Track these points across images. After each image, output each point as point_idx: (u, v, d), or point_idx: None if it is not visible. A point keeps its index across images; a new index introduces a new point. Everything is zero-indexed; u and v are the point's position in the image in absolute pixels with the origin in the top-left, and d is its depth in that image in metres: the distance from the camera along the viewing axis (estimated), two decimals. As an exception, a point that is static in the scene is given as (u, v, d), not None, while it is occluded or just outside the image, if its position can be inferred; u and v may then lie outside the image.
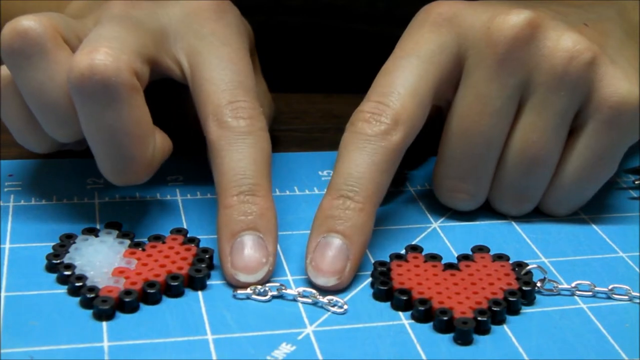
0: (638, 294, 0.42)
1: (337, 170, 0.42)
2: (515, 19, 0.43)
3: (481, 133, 0.44)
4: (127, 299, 0.38)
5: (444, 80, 0.44)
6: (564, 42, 0.43)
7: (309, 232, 0.43)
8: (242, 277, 0.40)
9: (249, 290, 0.40)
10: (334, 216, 0.41)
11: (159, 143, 0.43)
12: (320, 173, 0.51)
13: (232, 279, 0.40)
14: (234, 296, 0.40)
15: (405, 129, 0.42)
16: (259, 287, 0.40)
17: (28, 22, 0.41)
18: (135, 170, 0.42)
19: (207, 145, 0.43)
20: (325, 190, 0.42)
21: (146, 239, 0.43)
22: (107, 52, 0.40)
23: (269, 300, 0.40)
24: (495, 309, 0.39)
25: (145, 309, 0.39)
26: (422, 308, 0.39)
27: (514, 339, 0.39)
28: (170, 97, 0.49)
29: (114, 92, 0.40)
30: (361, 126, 0.43)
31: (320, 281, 0.40)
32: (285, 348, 0.37)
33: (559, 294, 0.42)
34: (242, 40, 0.46)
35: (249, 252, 0.40)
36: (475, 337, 0.38)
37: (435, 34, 0.44)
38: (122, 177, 0.42)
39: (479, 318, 0.39)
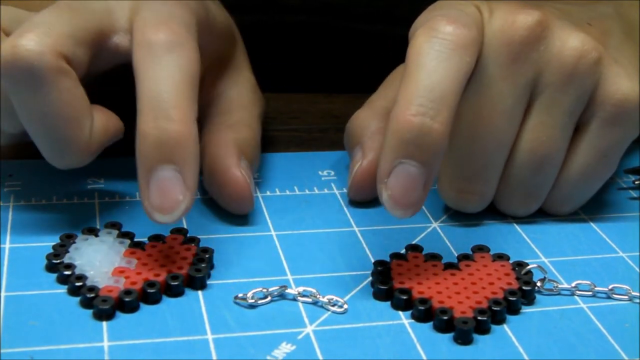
0: (638, 294, 0.42)
1: (417, 79, 0.39)
2: (529, 18, 0.43)
3: (492, 132, 0.44)
4: (127, 299, 0.38)
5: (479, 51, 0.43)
6: (572, 42, 0.44)
7: (309, 232, 0.43)
8: (158, 217, 0.39)
9: (250, 297, 0.40)
10: (414, 141, 0.38)
11: (99, 123, 0.42)
12: (320, 173, 0.51)
13: (150, 217, 0.39)
14: (236, 303, 0.40)
15: (476, 57, 0.40)
16: (259, 290, 0.40)
17: None
18: (72, 152, 0.41)
19: None
20: (399, 97, 0.39)
21: (146, 239, 0.43)
22: (30, 37, 0.40)
23: (269, 301, 0.40)
24: (495, 308, 0.39)
25: (145, 308, 0.39)
26: (422, 307, 0.39)
27: (514, 339, 0.39)
28: None
29: (38, 76, 0.39)
30: (446, 29, 0.39)
31: (399, 213, 0.39)
32: (285, 348, 0.37)
33: (559, 294, 0.42)
34: (190, 3, 0.44)
35: (163, 189, 0.38)
36: (476, 336, 0.38)
37: (469, 11, 0.43)
38: (62, 160, 0.42)
39: (479, 317, 0.39)
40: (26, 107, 0.41)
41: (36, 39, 0.40)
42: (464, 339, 0.38)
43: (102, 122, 0.42)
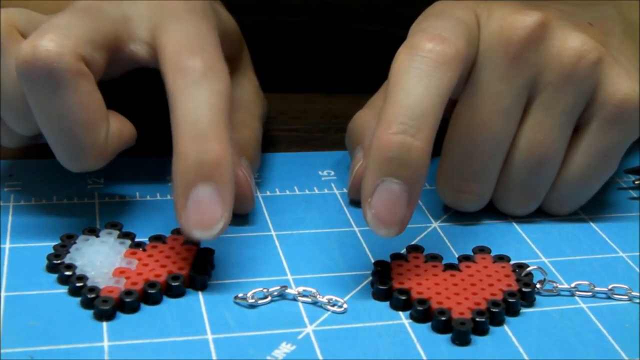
0: (638, 294, 0.42)
1: (396, 98, 0.39)
2: (529, 19, 0.43)
3: (490, 132, 0.44)
4: (127, 299, 0.38)
5: (473, 58, 0.44)
6: (571, 42, 0.44)
7: (309, 232, 0.43)
8: (197, 233, 0.39)
9: (250, 297, 0.40)
10: (396, 158, 0.38)
11: (115, 129, 0.42)
12: (320, 173, 0.51)
13: (188, 234, 0.39)
14: (236, 303, 0.40)
15: (463, 66, 0.40)
16: (259, 290, 0.40)
17: None
18: (88, 156, 0.41)
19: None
20: (380, 117, 0.39)
21: (147, 239, 0.43)
22: (50, 38, 0.40)
23: (269, 301, 0.40)
24: (494, 309, 0.39)
25: (145, 308, 0.39)
26: (421, 308, 0.39)
27: (514, 339, 0.39)
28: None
29: (57, 77, 0.39)
30: (425, 47, 0.39)
31: (383, 232, 0.39)
32: (285, 348, 0.37)
33: (558, 295, 0.42)
34: (208, 15, 0.44)
35: (203, 206, 0.39)
36: (476, 337, 0.38)
37: (467, 13, 0.44)
38: (76, 163, 0.42)
39: (477, 319, 0.38)
40: (43, 108, 0.40)
41: (56, 40, 0.40)
42: (461, 340, 0.38)
43: (118, 127, 0.43)
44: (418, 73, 0.39)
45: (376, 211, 0.39)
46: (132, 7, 0.44)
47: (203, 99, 0.39)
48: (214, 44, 0.42)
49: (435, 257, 0.43)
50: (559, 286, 0.42)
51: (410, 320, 0.39)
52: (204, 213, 0.38)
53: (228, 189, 0.39)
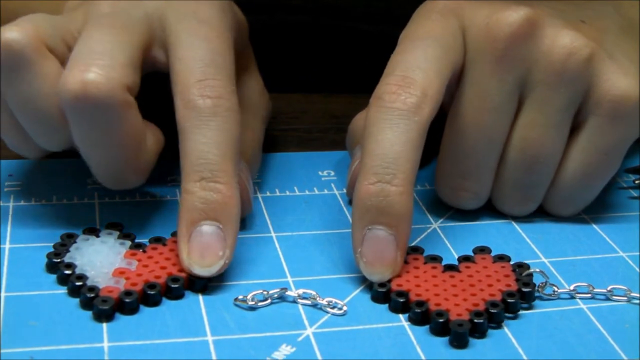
0: (637, 295, 0.42)
1: (369, 151, 0.40)
2: (515, 15, 0.43)
3: (482, 129, 0.44)
4: (127, 300, 0.38)
5: (458, 67, 0.44)
6: (561, 39, 0.44)
7: (309, 233, 0.43)
8: (197, 270, 0.40)
9: (249, 299, 0.40)
10: (376, 206, 0.40)
11: (151, 142, 0.43)
12: (320, 173, 0.51)
13: (188, 270, 0.40)
14: (236, 305, 0.40)
15: (433, 104, 0.41)
16: (259, 292, 0.40)
17: (11, 34, 0.40)
18: (133, 177, 0.43)
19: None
20: (359, 171, 0.41)
21: (146, 241, 0.43)
22: (97, 72, 0.39)
23: (268, 303, 0.40)
24: (492, 310, 0.39)
25: (145, 309, 0.39)
26: (419, 310, 0.39)
27: (513, 340, 0.39)
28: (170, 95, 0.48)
29: (107, 113, 0.40)
30: (390, 99, 0.41)
31: (377, 278, 0.41)
32: (285, 349, 0.37)
33: (558, 298, 0.42)
34: (224, 21, 0.44)
35: (206, 244, 0.40)
36: (475, 338, 0.38)
37: (445, 22, 0.44)
38: (118, 183, 0.43)
39: (475, 320, 0.38)
40: (90, 139, 0.41)
41: (104, 74, 0.39)
42: (459, 341, 0.38)
43: (152, 140, 0.43)
44: (386, 124, 0.41)
45: (367, 259, 0.40)
46: (152, 5, 0.44)
47: (212, 138, 0.40)
48: (226, 68, 0.42)
49: (434, 259, 0.43)
50: (559, 290, 0.42)
51: (410, 323, 0.39)
52: (205, 251, 0.40)
53: (232, 229, 0.40)
